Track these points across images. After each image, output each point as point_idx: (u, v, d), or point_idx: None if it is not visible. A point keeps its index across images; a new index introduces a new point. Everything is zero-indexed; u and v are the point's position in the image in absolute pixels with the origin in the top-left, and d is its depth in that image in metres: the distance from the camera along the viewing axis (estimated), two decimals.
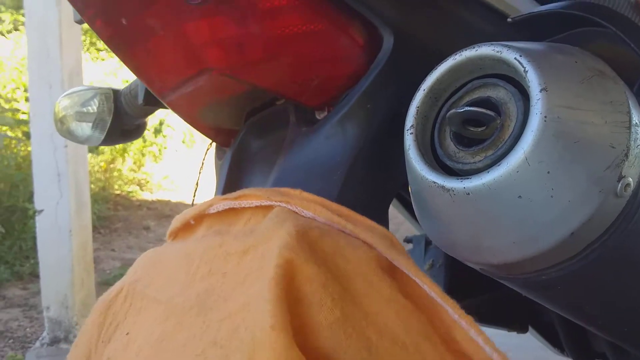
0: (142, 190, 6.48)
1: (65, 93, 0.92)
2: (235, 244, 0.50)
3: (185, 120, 0.67)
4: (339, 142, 0.55)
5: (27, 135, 4.56)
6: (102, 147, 5.46)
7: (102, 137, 0.88)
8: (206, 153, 0.78)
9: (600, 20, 0.47)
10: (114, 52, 0.60)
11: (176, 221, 0.61)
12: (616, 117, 0.40)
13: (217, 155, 0.73)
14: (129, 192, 6.20)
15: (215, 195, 0.67)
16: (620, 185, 0.40)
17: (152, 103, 0.80)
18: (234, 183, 0.65)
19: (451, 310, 0.44)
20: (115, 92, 0.88)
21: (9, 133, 4.72)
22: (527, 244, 0.41)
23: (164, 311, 0.49)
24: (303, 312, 0.41)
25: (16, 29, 7.83)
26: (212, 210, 0.57)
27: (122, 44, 0.59)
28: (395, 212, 1.06)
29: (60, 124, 0.90)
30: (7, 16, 8.55)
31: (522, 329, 1.02)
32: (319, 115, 0.59)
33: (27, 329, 3.32)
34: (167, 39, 0.55)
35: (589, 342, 0.98)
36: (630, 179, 0.40)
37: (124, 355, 0.50)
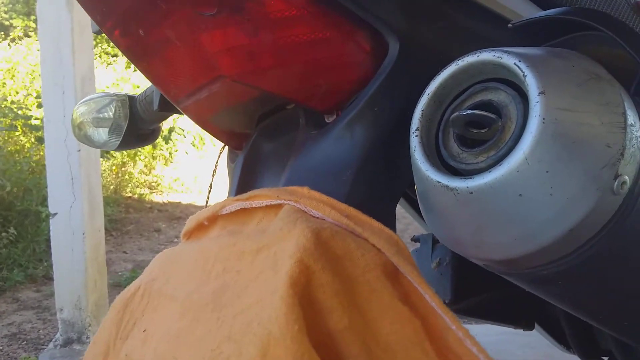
0: (153, 192, 6.52)
1: (82, 100, 0.95)
2: (249, 243, 0.51)
3: (199, 125, 0.69)
4: (348, 144, 0.57)
5: (40, 140, 4.61)
6: (113, 151, 5.50)
7: (118, 142, 0.91)
8: (219, 156, 0.80)
9: (597, 25, 0.48)
10: (131, 61, 0.62)
11: (190, 222, 0.63)
12: (612, 118, 0.42)
13: (229, 158, 0.75)
14: (140, 194, 6.24)
15: (228, 196, 0.69)
16: (616, 183, 0.41)
17: (166, 109, 0.82)
18: (246, 185, 0.67)
19: (449, 321, 0.45)
20: (131, 99, 0.91)
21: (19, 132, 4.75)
22: (527, 241, 0.43)
23: (181, 308, 0.51)
24: (314, 317, 0.43)
25: (27, 35, 7.91)
26: (225, 211, 0.59)
27: (140, 54, 0.61)
28: (403, 211, 1.08)
29: (78, 129, 0.93)
30: (18, 22, 8.63)
31: (529, 327, 1.02)
32: (328, 119, 0.61)
33: (40, 331, 3.35)
34: (182, 49, 0.57)
35: (595, 340, 0.99)
36: (627, 177, 0.42)
37: (141, 351, 0.52)
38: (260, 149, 0.68)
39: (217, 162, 0.81)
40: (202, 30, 0.55)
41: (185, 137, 7.14)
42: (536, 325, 1.05)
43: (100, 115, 0.91)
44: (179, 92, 0.63)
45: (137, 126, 0.91)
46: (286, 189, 0.55)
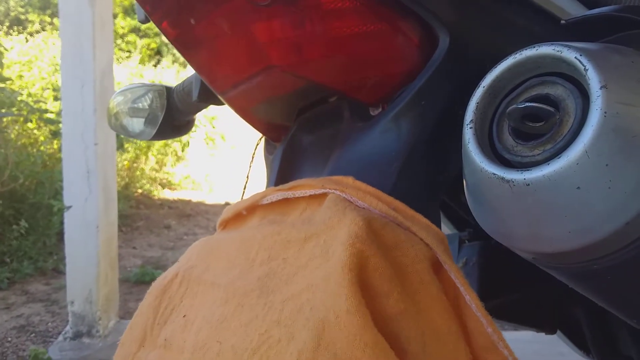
0: (164, 189, 6.55)
1: (119, 90, 0.96)
2: (294, 232, 0.52)
3: (239, 115, 0.70)
4: (394, 137, 0.57)
5: (54, 134, 4.63)
6: (126, 145, 5.53)
7: (154, 132, 0.92)
8: (256, 147, 0.81)
9: None
10: (179, 50, 0.63)
11: (227, 211, 0.63)
12: None
13: (267, 150, 0.76)
14: (151, 191, 6.26)
15: (266, 188, 0.69)
16: None
17: (205, 99, 0.83)
18: (286, 176, 0.67)
19: (486, 323, 0.47)
20: (168, 89, 0.92)
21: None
22: (583, 233, 0.43)
23: (224, 294, 0.51)
24: (371, 301, 0.43)
25: (43, 29, 7.96)
26: (266, 200, 0.59)
27: (189, 44, 0.62)
28: None
29: (114, 119, 0.94)
30: (33, 17, 8.69)
31: (551, 331, 1.03)
32: (374, 112, 0.61)
33: (49, 324, 3.37)
34: (233, 39, 0.58)
35: (617, 345, 0.99)
36: None
37: (182, 335, 0.52)
38: (300, 141, 0.68)
39: (254, 153, 0.82)
40: (255, 21, 0.56)
41: (195, 131, 7.16)
42: (558, 331, 1.05)
43: (136, 106, 0.92)
44: (225, 82, 0.64)
45: (173, 117, 0.92)
46: (330, 179, 0.55)
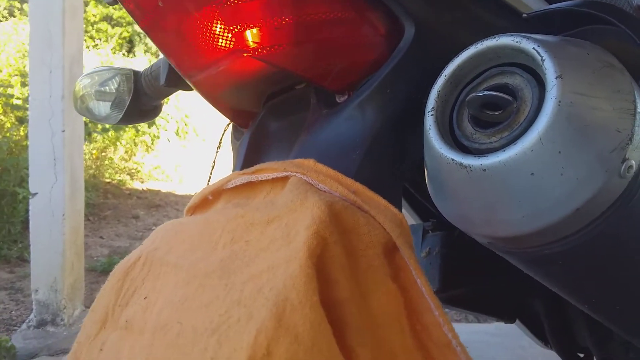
0: (133, 179, 6.48)
1: (86, 72, 0.95)
2: (258, 215, 0.52)
3: (207, 100, 0.70)
4: (359, 123, 0.58)
5: (20, 120, 4.55)
6: (94, 135, 5.46)
7: (120, 116, 0.91)
8: (223, 133, 0.81)
9: (610, 18, 0.50)
10: (146, 32, 0.63)
11: (194, 198, 0.63)
12: (623, 104, 0.44)
13: (234, 135, 0.76)
14: (120, 180, 6.19)
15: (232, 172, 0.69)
16: (623, 166, 0.44)
17: (173, 84, 0.83)
18: (252, 161, 0.68)
19: (433, 305, 0.48)
20: (136, 73, 0.91)
21: None
22: (536, 218, 0.45)
23: (185, 276, 0.52)
24: (322, 286, 0.44)
25: (12, 15, 7.80)
26: (231, 184, 0.60)
27: (156, 26, 0.62)
28: None
29: (80, 102, 0.93)
30: (2, 2, 8.50)
31: (510, 320, 1.05)
32: (339, 99, 0.62)
33: (13, 312, 3.32)
34: (201, 22, 0.58)
35: (573, 336, 1.02)
36: (633, 162, 0.44)
37: (143, 316, 0.52)
38: (267, 127, 0.69)
39: (221, 139, 0.82)
40: (223, 4, 0.56)
41: (168, 122, 7.10)
42: (517, 321, 1.08)
43: (103, 89, 0.91)
44: (193, 65, 0.64)
45: (140, 101, 0.91)
46: (292, 162, 0.56)
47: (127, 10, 0.63)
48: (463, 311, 1.06)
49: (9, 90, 5.00)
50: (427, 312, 0.48)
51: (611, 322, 0.61)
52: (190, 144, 7.68)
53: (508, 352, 2.54)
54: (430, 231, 1.00)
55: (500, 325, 1.07)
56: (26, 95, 4.26)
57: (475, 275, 0.94)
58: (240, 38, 0.58)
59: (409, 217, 1.17)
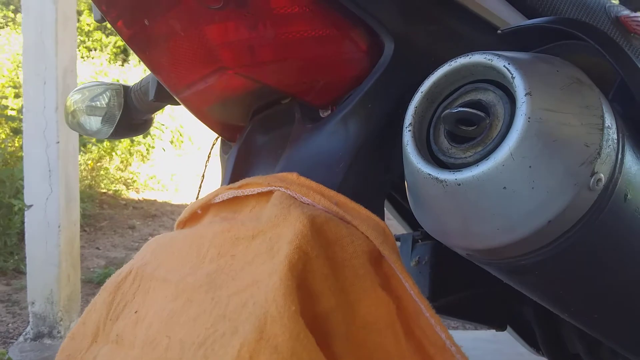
0: (129, 189, 6.47)
1: (76, 88, 0.96)
2: (243, 229, 0.54)
3: (195, 115, 0.72)
4: (342, 138, 0.60)
5: (15, 131, 4.55)
6: (89, 145, 5.46)
7: (111, 130, 0.92)
8: (212, 147, 0.82)
9: (581, 34, 0.52)
10: (134, 50, 0.65)
11: (185, 212, 0.65)
12: (591, 119, 0.45)
13: (222, 149, 0.78)
14: (115, 191, 6.19)
15: (220, 186, 0.71)
16: (592, 180, 0.45)
17: (161, 99, 0.84)
18: (239, 175, 0.69)
19: (424, 307, 0.50)
20: (125, 88, 0.93)
21: None
22: (509, 231, 0.46)
23: (174, 290, 0.53)
24: (305, 299, 0.46)
25: (6, 25, 7.81)
26: (218, 199, 0.61)
27: (143, 44, 0.63)
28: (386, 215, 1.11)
29: (71, 117, 0.95)
30: None
31: (501, 327, 1.06)
32: (323, 114, 0.64)
33: (10, 325, 3.31)
34: (186, 40, 0.60)
35: (564, 343, 1.03)
36: (602, 175, 0.45)
37: (133, 331, 0.54)
38: (254, 141, 0.70)
39: (210, 153, 0.83)
40: (207, 23, 0.58)
41: (163, 132, 7.11)
42: (508, 328, 1.08)
43: (94, 104, 0.92)
44: (179, 82, 0.66)
45: (131, 116, 0.93)
46: (276, 176, 0.57)
47: (114, 28, 0.64)
48: (454, 319, 1.06)
49: (3, 101, 5.00)
50: (420, 315, 0.49)
51: (592, 330, 0.62)
52: (185, 153, 7.68)
53: (505, 359, 2.55)
54: (420, 240, 1.01)
55: (498, 332, 1.08)
56: (20, 106, 4.27)
57: (465, 284, 0.95)
58: (224, 55, 0.60)
59: (399, 227, 1.18)
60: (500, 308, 1.03)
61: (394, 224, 1.17)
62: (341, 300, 0.47)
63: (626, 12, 0.77)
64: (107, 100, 0.91)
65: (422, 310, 0.50)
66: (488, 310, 1.02)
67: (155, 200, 6.35)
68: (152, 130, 6.89)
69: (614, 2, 0.79)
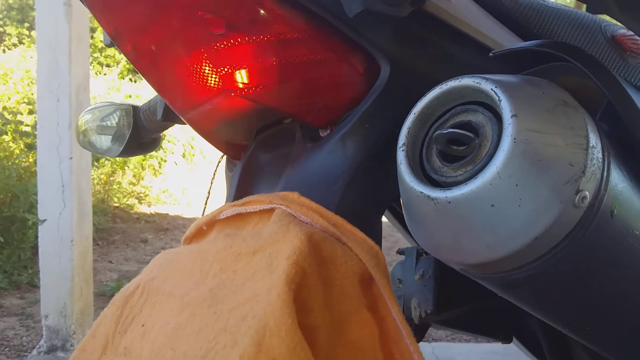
0: (141, 203, 6.52)
1: (87, 108, 0.99)
2: (245, 245, 0.56)
3: (201, 135, 0.74)
4: (340, 157, 0.62)
5: (30, 147, 4.61)
6: (102, 160, 5.52)
7: (121, 149, 0.95)
8: (217, 165, 0.85)
9: (568, 57, 0.54)
10: (141, 73, 0.67)
11: (191, 228, 0.67)
12: (575, 140, 0.47)
13: (227, 167, 0.80)
14: (128, 204, 6.24)
15: (225, 203, 0.73)
16: (577, 197, 0.47)
17: (169, 119, 0.87)
18: (243, 192, 0.71)
19: (405, 334, 0.52)
20: (135, 108, 0.96)
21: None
22: (498, 246, 0.48)
23: (179, 304, 0.55)
24: (297, 312, 0.47)
25: (21, 42, 7.93)
26: (222, 216, 0.64)
27: (150, 68, 0.66)
28: (390, 229, 1.13)
29: (83, 136, 0.98)
30: (11, 30, 8.66)
31: (507, 339, 1.06)
32: (323, 133, 0.66)
33: (24, 338, 3.34)
34: (191, 64, 0.62)
35: (571, 354, 1.04)
36: (587, 193, 0.47)
37: (140, 344, 0.56)
38: (257, 159, 0.72)
39: (215, 171, 0.85)
40: (211, 48, 0.60)
41: (175, 144, 7.16)
42: (514, 340, 1.09)
43: (104, 123, 0.95)
44: (185, 104, 0.68)
45: (140, 134, 0.95)
46: (278, 195, 0.59)
47: (123, 52, 0.67)
48: (459, 332, 1.07)
49: (18, 117, 5.08)
50: (401, 339, 0.51)
51: (587, 341, 0.64)
52: (197, 167, 7.74)
53: None
54: (424, 254, 1.02)
55: (509, 345, 1.08)
56: (34, 122, 4.33)
57: (469, 297, 0.95)
58: (228, 79, 0.62)
59: (404, 241, 1.20)
60: (505, 320, 1.03)
61: (400, 238, 1.18)
62: (327, 318, 0.49)
63: (622, 30, 0.78)
64: (117, 120, 0.94)
65: (403, 336, 0.52)
66: (493, 322, 1.02)
67: (167, 213, 6.40)
68: (164, 143, 6.94)
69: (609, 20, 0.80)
